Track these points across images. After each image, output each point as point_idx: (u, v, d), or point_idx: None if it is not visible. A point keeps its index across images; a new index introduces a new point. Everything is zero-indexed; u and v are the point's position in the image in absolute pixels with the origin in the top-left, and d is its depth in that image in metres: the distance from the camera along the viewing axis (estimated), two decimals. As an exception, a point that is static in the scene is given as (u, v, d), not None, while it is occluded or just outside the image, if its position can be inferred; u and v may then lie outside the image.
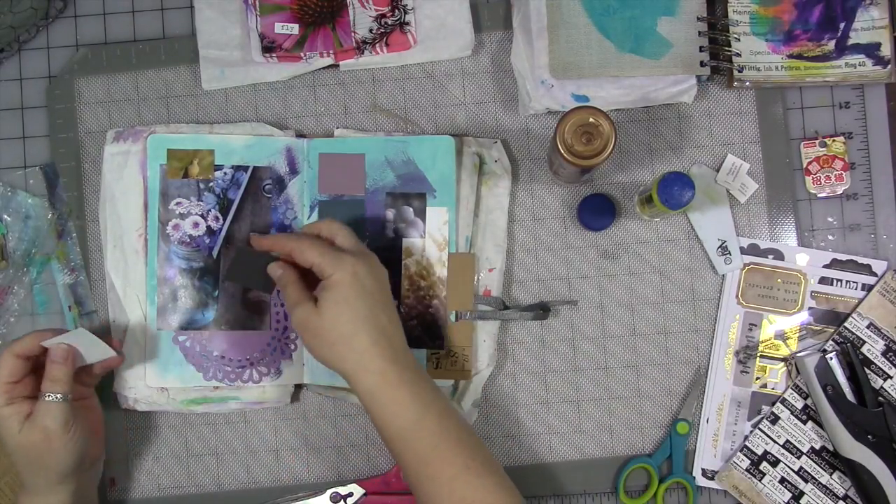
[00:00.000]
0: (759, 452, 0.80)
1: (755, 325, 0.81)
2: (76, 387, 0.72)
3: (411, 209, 0.80)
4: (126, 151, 0.81)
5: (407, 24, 0.82)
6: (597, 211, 0.81)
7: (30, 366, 0.71)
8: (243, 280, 0.76)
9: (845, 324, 0.80)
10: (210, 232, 0.80)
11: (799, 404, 0.80)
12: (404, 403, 0.67)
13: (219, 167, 0.80)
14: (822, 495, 0.79)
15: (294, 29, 0.82)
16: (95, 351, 0.73)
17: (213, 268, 0.80)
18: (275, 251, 0.73)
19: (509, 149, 0.83)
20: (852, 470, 0.76)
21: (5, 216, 0.82)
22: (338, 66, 0.83)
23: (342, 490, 0.80)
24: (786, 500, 0.79)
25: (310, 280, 0.71)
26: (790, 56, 0.81)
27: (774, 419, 0.80)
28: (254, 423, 0.82)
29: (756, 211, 0.82)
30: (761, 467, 0.79)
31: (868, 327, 0.79)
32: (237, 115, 0.84)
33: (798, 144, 0.82)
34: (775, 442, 0.80)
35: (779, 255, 0.81)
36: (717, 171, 0.82)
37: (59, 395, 0.69)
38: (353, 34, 0.82)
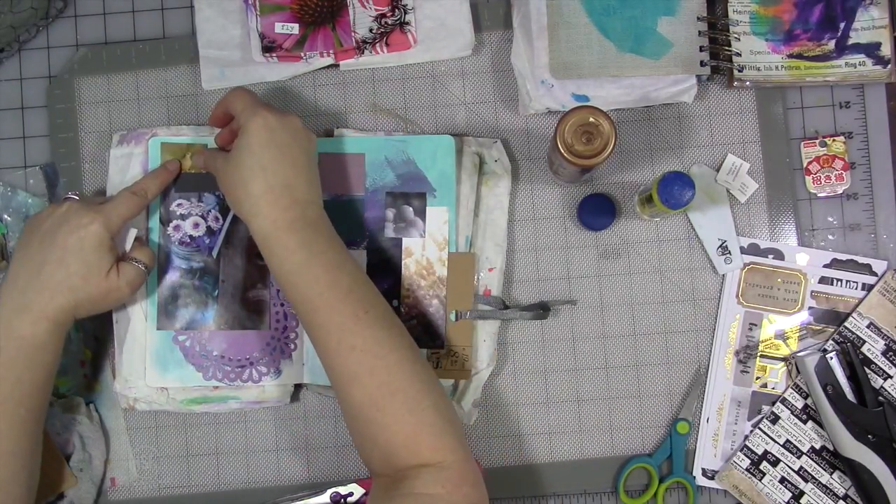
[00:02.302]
0: (760, 452, 0.80)
1: (755, 325, 0.81)
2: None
3: (411, 209, 0.80)
4: (129, 154, 0.81)
5: (407, 23, 0.82)
6: (597, 211, 0.81)
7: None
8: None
9: (845, 323, 0.80)
10: (210, 232, 0.80)
11: (799, 404, 0.80)
12: (291, 248, 0.68)
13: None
14: (823, 495, 0.79)
15: (294, 29, 0.82)
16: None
17: (213, 268, 0.80)
18: (215, 123, 0.78)
19: (509, 149, 0.83)
20: (852, 469, 0.76)
21: (5, 216, 0.82)
22: (338, 65, 0.83)
23: (342, 490, 0.80)
24: (786, 500, 0.79)
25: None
26: (790, 56, 0.81)
27: (774, 419, 0.80)
28: (254, 423, 0.82)
29: (756, 211, 0.82)
30: (761, 467, 0.79)
31: (868, 327, 0.79)
32: (237, 115, 0.83)
33: (798, 144, 0.82)
34: (775, 441, 0.80)
35: (779, 255, 0.81)
36: (717, 170, 0.82)
37: (144, 266, 0.75)
38: (353, 34, 0.82)
